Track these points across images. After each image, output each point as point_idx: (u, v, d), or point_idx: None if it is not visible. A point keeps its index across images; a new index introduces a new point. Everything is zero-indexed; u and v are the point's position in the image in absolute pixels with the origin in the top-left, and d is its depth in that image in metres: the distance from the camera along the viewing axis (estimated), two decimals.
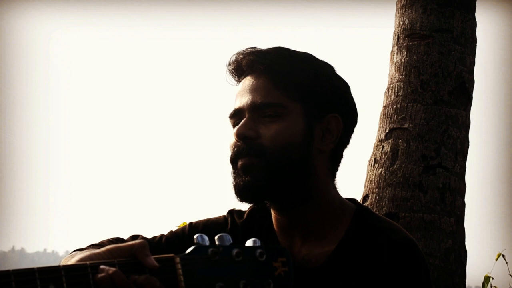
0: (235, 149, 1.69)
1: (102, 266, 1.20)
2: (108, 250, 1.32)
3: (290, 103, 1.68)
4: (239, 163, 1.67)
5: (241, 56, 1.74)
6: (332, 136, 1.73)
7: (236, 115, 1.73)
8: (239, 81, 1.77)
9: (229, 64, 1.77)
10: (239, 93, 1.73)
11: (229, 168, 1.74)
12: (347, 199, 1.78)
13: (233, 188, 1.68)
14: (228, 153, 1.73)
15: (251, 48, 1.77)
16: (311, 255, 1.70)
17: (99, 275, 1.20)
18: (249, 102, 1.69)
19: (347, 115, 1.76)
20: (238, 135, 1.68)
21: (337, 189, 1.76)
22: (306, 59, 1.76)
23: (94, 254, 1.63)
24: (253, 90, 1.70)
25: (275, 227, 1.77)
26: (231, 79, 1.79)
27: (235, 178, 1.69)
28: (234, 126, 1.73)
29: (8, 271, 1.15)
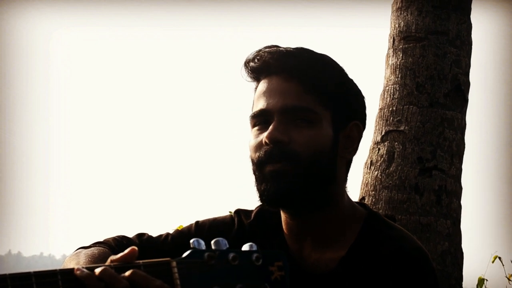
0: (266, 152, 1.62)
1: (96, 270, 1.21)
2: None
3: (321, 109, 1.64)
4: (269, 168, 1.62)
5: (269, 55, 1.66)
6: (353, 144, 1.72)
7: (260, 116, 1.66)
8: (258, 79, 1.72)
9: (253, 61, 1.71)
10: (264, 94, 1.67)
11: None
12: (356, 203, 1.77)
13: (261, 194, 1.63)
14: (248, 155, 1.68)
15: (276, 47, 1.72)
16: (321, 261, 1.69)
17: (84, 272, 1.20)
18: (279, 104, 1.63)
19: (363, 121, 1.75)
20: (271, 139, 1.61)
21: (348, 193, 1.75)
22: (333, 63, 1.72)
23: (98, 251, 1.62)
24: (284, 92, 1.65)
25: (285, 230, 1.75)
26: (246, 75, 1.73)
27: (262, 184, 1.63)
28: (255, 126, 1.67)
29: (4, 275, 1.15)
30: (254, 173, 1.66)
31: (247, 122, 1.73)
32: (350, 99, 1.71)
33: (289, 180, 1.61)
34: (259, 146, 1.65)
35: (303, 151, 1.61)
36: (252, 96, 1.73)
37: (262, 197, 1.63)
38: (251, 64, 1.70)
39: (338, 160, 1.68)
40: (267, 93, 1.66)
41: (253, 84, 1.72)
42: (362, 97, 1.75)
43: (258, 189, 1.65)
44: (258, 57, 1.68)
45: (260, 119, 1.67)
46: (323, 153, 1.63)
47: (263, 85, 1.68)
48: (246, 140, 1.74)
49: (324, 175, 1.65)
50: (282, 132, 1.62)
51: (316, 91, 1.64)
